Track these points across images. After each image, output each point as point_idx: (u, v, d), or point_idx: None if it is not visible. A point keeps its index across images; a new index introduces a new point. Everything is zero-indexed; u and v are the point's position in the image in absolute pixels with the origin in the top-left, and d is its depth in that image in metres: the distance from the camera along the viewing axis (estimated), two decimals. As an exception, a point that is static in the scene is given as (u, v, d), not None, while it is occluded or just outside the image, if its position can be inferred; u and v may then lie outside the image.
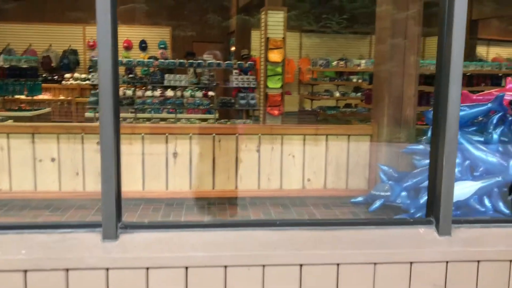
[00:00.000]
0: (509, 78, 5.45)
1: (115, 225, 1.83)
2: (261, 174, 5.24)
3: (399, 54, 5.06)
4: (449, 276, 1.89)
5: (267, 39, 9.35)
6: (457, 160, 4.31)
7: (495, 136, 4.31)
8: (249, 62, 9.49)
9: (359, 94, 10.88)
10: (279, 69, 9.40)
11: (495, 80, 8.41)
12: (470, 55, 15.05)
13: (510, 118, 4.56)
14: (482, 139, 4.44)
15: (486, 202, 4.14)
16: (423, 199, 4.56)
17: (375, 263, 1.86)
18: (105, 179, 1.79)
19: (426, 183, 4.66)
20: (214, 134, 5.16)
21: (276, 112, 9.36)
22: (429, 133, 4.90)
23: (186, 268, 1.80)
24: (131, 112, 8.06)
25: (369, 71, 11.25)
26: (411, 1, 5.04)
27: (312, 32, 14.64)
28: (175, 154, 5.12)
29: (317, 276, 1.83)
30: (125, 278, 1.78)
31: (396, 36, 5.05)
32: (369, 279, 1.86)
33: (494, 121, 4.55)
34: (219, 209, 5.02)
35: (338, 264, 1.85)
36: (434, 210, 1.94)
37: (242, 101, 7.68)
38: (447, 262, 1.88)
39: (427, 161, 4.59)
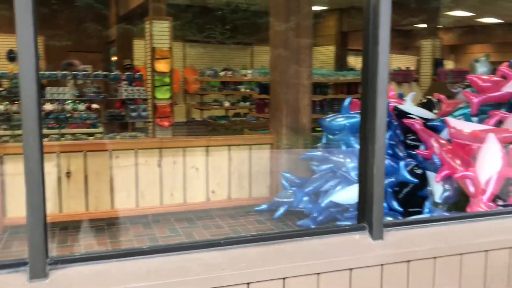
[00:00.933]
0: (391, 87, 5.98)
1: (44, 261, 1.63)
2: (163, 189, 5.08)
3: (293, 65, 5.26)
4: (384, 278, 1.99)
5: (153, 49, 9.14)
6: (354, 164, 4.60)
7: (385, 140, 4.67)
8: (138, 73, 9.19)
9: (247, 103, 11.12)
10: (167, 79, 9.25)
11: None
12: (342, 65, 16.26)
13: (395, 123, 4.98)
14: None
15: (382, 202, 4.44)
16: (324, 202, 4.80)
17: (318, 273, 1.89)
18: (31, 210, 1.58)
19: (325, 187, 4.94)
20: (111, 150, 4.88)
21: (166, 123, 9.17)
22: (324, 140, 5.19)
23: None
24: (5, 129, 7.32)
25: (256, 80, 11.58)
26: (302, 13, 5.28)
27: (196, 42, 14.66)
28: (68, 174, 4.74)
29: (263, 291, 1.80)
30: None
31: (290, 48, 5.25)
32: (311, 285, 1.89)
33: (383, 127, 4.93)
34: (120, 229, 4.76)
35: (284, 278, 1.85)
36: (366, 216, 2.03)
37: (133, 113, 7.40)
38: (382, 265, 1.98)
39: (325, 166, 4.87)
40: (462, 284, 2.12)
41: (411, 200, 4.55)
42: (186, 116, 12.68)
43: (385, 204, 4.46)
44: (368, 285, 1.97)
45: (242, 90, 11.35)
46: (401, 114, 5.01)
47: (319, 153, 4.93)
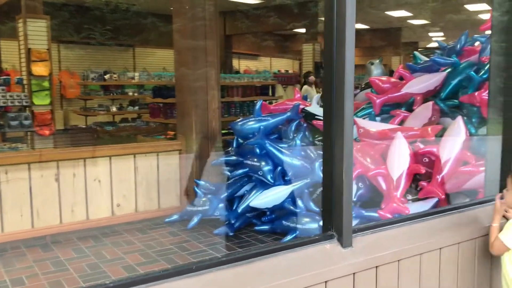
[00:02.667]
0: (296, 89, 6.07)
1: None
2: (62, 206, 4.56)
3: (201, 70, 5.08)
4: (356, 287, 1.93)
5: (29, 51, 8.27)
6: (269, 167, 4.56)
7: (298, 142, 4.71)
8: (5, 76, 8.25)
9: (136, 108, 10.60)
10: (46, 84, 8.42)
11: (264, 90, 9.27)
12: (227, 67, 16.34)
13: (304, 125, 5.06)
14: (286, 145, 4.80)
15: (299, 203, 4.47)
16: (241, 208, 4.70)
17: (296, 290, 1.77)
18: None
19: (241, 192, 4.84)
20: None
21: (47, 131, 8.34)
22: (235, 144, 5.08)
23: None
24: None
25: (145, 83, 11.07)
26: (207, 14, 5.11)
27: (73, 43, 13.65)
28: None
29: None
30: None
31: (195, 50, 5.06)
32: (291, 307, 1.76)
33: (293, 128, 4.98)
34: (15, 255, 4.16)
35: (263, 301, 1.69)
36: (334, 224, 1.96)
37: (14, 122, 6.58)
38: (354, 274, 1.92)
39: (240, 171, 4.77)
40: (422, 283, 2.16)
41: (325, 200, 4.64)
42: (65, 123, 11.72)
43: (302, 205, 4.50)
44: (342, 296, 1.90)
45: (130, 94, 10.78)
46: (309, 116, 5.10)
47: (233, 157, 4.81)
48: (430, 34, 18.82)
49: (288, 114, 4.95)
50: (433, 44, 18.24)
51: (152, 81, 8.56)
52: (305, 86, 9.00)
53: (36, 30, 8.22)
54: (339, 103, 1.86)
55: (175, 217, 4.93)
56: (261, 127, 4.69)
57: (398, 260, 2.04)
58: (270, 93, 9.55)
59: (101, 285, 1.47)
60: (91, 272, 3.78)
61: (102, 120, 10.42)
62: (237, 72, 14.54)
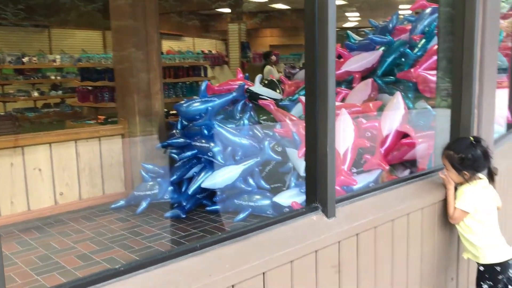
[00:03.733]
0: (238, 69, 6.09)
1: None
2: (0, 197, 4.29)
3: (142, 50, 4.94)
4: (341, 254, 2.05)
5: None
6: (219, 148, 4.59)
7: (246, 122, 4.77)
8: None
9: (60, 92, 10.05)
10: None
11: (197, 71, 9.18)
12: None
13: (250, 105, 5.12)
14: (234, 125, 4.83)
15: (250, 181, 4.56)
16: (191, 189, 4.69)
17: (291, 261, 1.84)
18: None
19: (190, 174, 4.82)
20: None
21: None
22: (179, 125, 5.03)
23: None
24: None
25: (68, 66, 10.50)
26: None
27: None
28: None
29: (247, 291, 1.69)
30: None
31: (136, 32, 4.90)
32: (287, 276, 1.84)
33: (239, 108, 5.03)
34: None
35: (264, 273, 1.75)
36: (319, 197, 2.05)
37: None
38: (339, 242, 2.03)
39: (188, 153, 4.75)
40: (394, 247, 2.33)
41: (273, 177, 4.76)
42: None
43: (253, 183, 4.58)
44: (330, 263, 2.00)
45: (52, 77, 10.18)
46: (253, 96, 5.17)
47: (181, 139, 4.76)
48: (347, 14, 19.52)
49: (234, 94, 4.98)
50: (349, 24, 18.87)
51: (79, 64, 8.13)
52: (268, 67, 9.03)
53: None
54: (322, 79, 1.94)
55: (121, 202, 4.82)
56: (209, 108, 4.68)
57: (375, 227, 2.19)
58: (202, 74, 9.49)
59: (112, 269, 1.45)
60: (43, 264, 3.62)
61: (21, 106, 9.78)
62: (161, 53, 14.20)
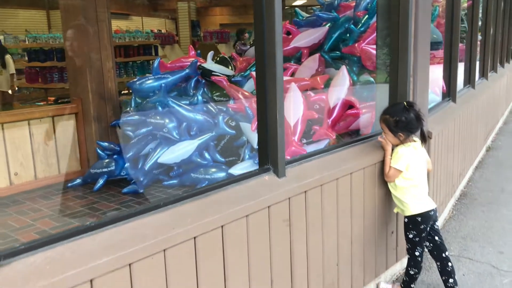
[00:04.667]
0: (190, 46, 6.16)
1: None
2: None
3: (92, 29, 4.93)
4: (291, 209, 2.27)
5: None
6: (174, 124, 4.71)
7: (200, 98, 4.90)
8: None
9: (4, 74, 9.72)
10: None
11: (148, 50, 9.15)
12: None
13: (203, 82, 5.24)
14: (188, 102, 4.95)
15: (206, 155, 4.72)
16: (148, 165, 4.79)
17: (247, 215, 2.04)
18: None
19: (146, 151, 4.92)
20: None
21: None
22: (133, 103, 5.10)
23: (91, 280, 1.51)
24: None
25: (11, 48, 10.14)
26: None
27: None
28: None
29: (209, 243, 1.88)
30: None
31: (87, 11, 4.88)
32: (244, 229, 2.03)
33: (193, 85, 5.14)
34: None
35: (222, 226, 1.94)
36: (270, 159, 2.24)
37: None
38: (289, 198, 2.24)
39: (143, 130, 4.84)
40: (339, 203, 2.57)
41: (228, 150, 4.94)
42: None
43: (209, 157, 4.75)
44: (281, 217, 2.22)
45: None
46: (206, 73, 5.29)
47: (136, 117, 4.84)
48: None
49: (187, 71, 5.09)
50: (298, 2, 19.07)
51: (25, 44, 7.93)
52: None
53: None
54: (271, 50, 2.12)
55: (78, 181, 4.86)
56: (163, 85, 4.77)
57: (321, 185, 2.42)
58: (153, 53, 9.46)
59: (83, 225, 1.59)
60: (2, 242, 3.66)
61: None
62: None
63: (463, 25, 5.55)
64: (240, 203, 2.01)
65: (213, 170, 4.71)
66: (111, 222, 1.65)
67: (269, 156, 2.24)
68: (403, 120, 2.71)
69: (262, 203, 2.10)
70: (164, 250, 1.71)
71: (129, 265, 1.61)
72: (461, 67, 5.58)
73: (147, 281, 1.66)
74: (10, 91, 8.48)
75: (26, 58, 8.15)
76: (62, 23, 5.06)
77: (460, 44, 5.21)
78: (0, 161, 4.52)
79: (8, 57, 8.22)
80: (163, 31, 18.19)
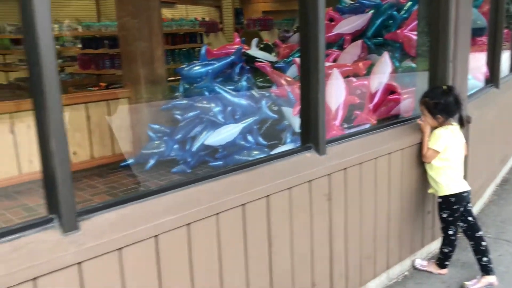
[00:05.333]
0: (235, 34, 6.37)
1: (74, 214, 1.59)
2: (20, 157, 4.64)
3: (144, 16, 5.20)
4: (331, 185, 2.44)
5: None
6: (220, 108, 4.94)
7: (244, 83, 5.10)
8: None
9: (60, 60, 10.26)
10: (-42, 39, 8.01)
11: (193, 38, 9.43)
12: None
13: (247, 68, 5.44)
14: (233, 87, 5.17)
15: (249, 138, 4.93)
16: (195, 147, 5.06)
17: (290, 188, 2.23)
18: (60, 162, 1.52)
19: (193, 133, 5.19)
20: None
21: (-35, 90, 8.01)
22: (181, 89, 5.37)
23: (156, 236, 1.76)
24: None
25: (64, 35, 10.66)
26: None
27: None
28: None
29: (256, 210, 2.09)
30: (99, 267, 1.61)
31: (138, 2, 5.15)
32: (287, 200, 2.23)
33: (237, 71, 5.35)
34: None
35: (267, 196, 2.14)
36: (312, 138, 2.42)
37: None
38: (329, 174, 2.42)
39: (191, 113, 5.10)
40: (377, 181, 2.72)
41: (270, 134, 5.13)
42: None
43: (252, 140, 4.96)
44: (322, 192, 2.40)
45: (52, 47, 10.37)
46: (250, 59, 5.48)
47: (184, 101, 5.10)
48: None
49: (232, 57, 5.29)
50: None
51: (79, 32, 8.36)
52: None
53: None
54: (314, 34, 2.28)
55: (130, 161, 5.18)
56: (210, 71, 5.00)
57: (360, 163, 2.58)
58: (199, 41, 9.74)
59: (147, 190, 1.83)
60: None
61: (22, 75, 10.00)
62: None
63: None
64: (283, 176, 2.20)
65: (256, 152, 4.92)
66: (171, 188, 1.89)
67: (310, 135, 2.42)
68: (442, 103, 2.82)
69: (303, 177, 2.28)
70: (217, 214, 1.94)
71: (187, 225, 1.84)
72: (506, 54, 5.54)
73: (202, 240, 1.89)
74: None
75: (80, 46, 8.57)
76: (116, 12, 5.36)
77: (506, 30, 5.17)
78: (61, 141, 4.88)
79: None
80: (207, 19, 18.49)
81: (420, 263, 3.16)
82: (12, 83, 9.74)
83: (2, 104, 4.73)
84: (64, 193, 1.55)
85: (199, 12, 20.00)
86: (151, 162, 5.09)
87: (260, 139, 4.96)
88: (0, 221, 3.90)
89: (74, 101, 4.97)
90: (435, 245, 3.38)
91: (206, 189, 1.96)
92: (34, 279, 1.47)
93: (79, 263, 1.56)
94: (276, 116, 4.95)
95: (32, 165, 4.73)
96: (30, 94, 1.55)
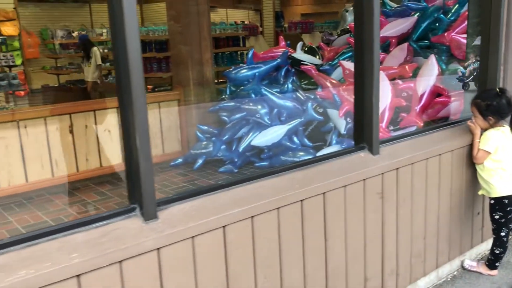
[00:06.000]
0: (281, 37, 6.51)
1: (155, 204, 1.75)
2: (77, 155, 4.92)
3: (194, 21, 5.40)
4: (384, 184, 2.53)
5: (-5, 10, 8.26)
6: (266, 110, 5.07)
7: (290, 86, 5.23)
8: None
9: (108, 64, 10.67)
10: (16, 44, 8.44)
11: (236, 41, 9.62)
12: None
13: (292, 70, 5.56)
14: (278, 89, 5.30)
15: (295, 139, 5.04)
16: (242, 147, 5.22)
17: (345, 186, 2.34)
18: (144, 157, 1.68)
19: (239, 134, 5.34)
20: (17, 120, 4.53)
21: (22, 92, 8.44)
22: (228, 91, 5.54)
23: (224, 226, 1.90)
24: None
25: (109, 40, 11.08)
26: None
27: (27, 0, 13.30)
28: (-29, 150, 4.31)
29: (313, 206, 2.20)
30: (175, 253, 1.76)
31: (189, 4, 5.36)
32: (342, 197, 2.33)
33: (283, 74, 5.48)
34: (43, 201, 4.53)
35: (324, 193, 2.25)
36: (366, 138, 2.52)
37: (2, 82, 6.69)
38: (382, 173, 2.51)
39: (238, 115, 5.26)
40: (428, 182, 2.79)
41: (315, 136, 5.23)
42: (32, 83, 11.65)
43: (298, 141, 5.07)
44: (375, 190, 2.49)
45: (101, 50, 10.80)
46: (295, 62, 5.60)
47: (231, 103, 5.26)
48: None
49: (278, 60, 5.43)
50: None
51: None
52: None
53: (1, -12, 8.15)
54: (369, 40, 2.38)
55: (179, 160, 5.39)
56: (257, 74, 5.15)
57: (412, 164, 2.65)
58: (241, 44, 9.93)
59: (215, 184, 1.97)
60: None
61: (77, 78, 10.45)
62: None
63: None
64: (339, 175, 2.31)
65: (301, 153, 5.03)
66: (237, 182, 2.03)
67: (364, 136, 2.52)
68: (494, 104, 2.85)
69: (358, 176, 2.38)
70: (278, 208, 2.06)
71: (251, 217, 1.97)
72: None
73: (265, 232, 2.02)
74: (98, 81, 9.19)
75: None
76: (167, 16, 5.59)
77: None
78: (114, 141, 5.14)
79: (95, 49, 8.79)
80: (246, 22, 18.73)
81: (469, 263, 3.19)
82: (63, 85, 10.23)
83: (62, 105, 5.02)
84: (146, 185, 1.71)
85: (239, 16, 20.27)
86: (199, 161, 5.28)
87: (306, 140, 5.07)
88: (62, 215, 4.16)
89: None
90: (484, 247, 3.40)
91: (268, 185, 2.10)
92: (120, 261, 1.63)
93: (158, 248, 1.72)
94: (321, 118, 5.04)
95: (89, 163, 5.01)
96: (117, 95, 1.72)
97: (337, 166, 2.37)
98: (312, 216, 2.21)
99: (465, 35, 4.44)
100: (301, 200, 2.15)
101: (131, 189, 1.76)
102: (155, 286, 1.72)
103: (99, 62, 8.79)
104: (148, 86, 8.63)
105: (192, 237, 1.80)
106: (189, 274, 1.81)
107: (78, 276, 1.54)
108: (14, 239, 1.53)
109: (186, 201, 1.86)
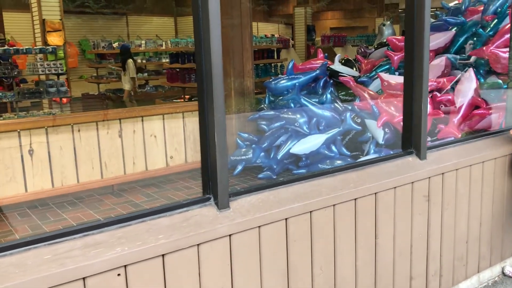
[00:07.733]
0: (319, 49, 6.70)
1: (227, 195, 1.94)
2: (125, 158, 5.18)
3: (237, 32, 5.64)
4: (430, 187, 2.66)
5: (43, 21, 8.71)
6: (305, 119, 5.24)
7: (329, 96, 5.39)
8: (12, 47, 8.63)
9: (145, 74, 11.06)
10: (61, 53, 8.86)
11: (270, 53, 9.86)
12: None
13: (330, 82, 5.73)
14: (317, 100, 5.47)
15: (333, 148, 5.19)
16: (280, 155, 5.39)
17: (395, 187, 2.48)
18: (220, 153, 1.88)
19: (277, 142, 5.52)
20: (72, 124, 4.82)
21: (64, 99, 8.83)
22: (267, 101, 5.74)
23: (286, 219, 2.07)
24: None
25: (151, 51, 11.49)
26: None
27: (68, 12, 13.89)
28: (30, 151, 4.60)
29: (365, 205, 2.35)
30: (244, 240, 1.94)
31: (232, 15, 5.61)
32: (392, 198, 2.48)
33: (321, 84, 5.65)
34: (93, 200, 4.79)
35: (375, 193, 2.41)
36: (413, 143, 2.66)
37: (52, 89, 7.06)
38: (429, 177, 2.64)
39: (277, 124, 5.44)
40: (471, 188, 2.91)
41: (352, 145, 5.37)
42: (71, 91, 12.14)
43: (336, 150, 5.22)
44: (422, 193, 2.62)
45: (138, 61, 11.21)
46: (333, 74, 5.77)
47: (271, 112, 5.46)
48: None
49: (317, 72, 5.61)
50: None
51: (161, 48, 9.04)
52: None
53: (49, 1, 8.59)
54: (419, 53, 2.54)
55: (219, 166, 5.59)
56: (297, 84, 5.34)
57: (456, 169, 2.78)
58: (275, 57, 10.16)
59: (275, 181, 2.15)
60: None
61: (115, 87, 10.85)
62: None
63: None
64: (389, 177, 2.46)
65: (339, 162, 5.17)
66: (297, 180, 2.20)
67: (412, 141, 2.66)
68: (536, 115, 2.96)
69: (407, 178, 2.53)
70: (333, 205, 2.23)
71: (310, 212, 2.14)
72: None
73: (322, 226, 2.18)
74: (132, 92, 9.48)
75: (167, 60, 9.24)
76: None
77: None
78: (160, 146, 5.39)
79: (130, 61, 8.99)
80: (276, 35, 19.03)
81: (510, 270, 3.27)
82: (103, 93, 10.63)
83: (113, 111, 5.31)
84: (222, 178, 1.90)
85: (269, 30, 20.61)
86: (239, 168, 5.47)
87: (343, 149, 5.21)
88: (112, 214, 4.39)
89: (173, 110, 5.47)
90: (524, 255, 3.47)
91: (325, 183, 2.26)
92: (198, 244, 1.82)
93: (230, 235, 1.90)
94: (360, 127, 5.18)
95: (135, 166, 5.26)
96: (198, 96, 1.93)
97: (387, 169, 2.52)
98: (364, 214, 2.36)
99: (505, 49, 4.54)
100: (355, 199, 2.31)
101: (206, 181, 1.95)
102: (226, 268, 1.90)
103: (133, 75, 9.12)
104: (186, 96, 8.94)
105: (259, 226, 1.97)
106: (255, 259, 1.99)
107: (163, 255, 1.73)
108: (110, 220, 1.73)
109: (252, 194, 2.05)
